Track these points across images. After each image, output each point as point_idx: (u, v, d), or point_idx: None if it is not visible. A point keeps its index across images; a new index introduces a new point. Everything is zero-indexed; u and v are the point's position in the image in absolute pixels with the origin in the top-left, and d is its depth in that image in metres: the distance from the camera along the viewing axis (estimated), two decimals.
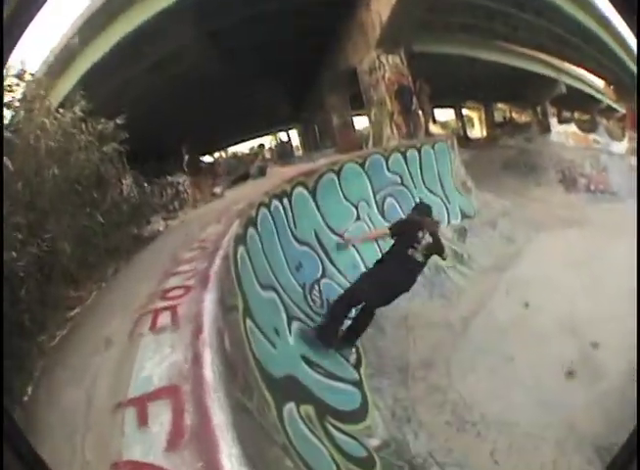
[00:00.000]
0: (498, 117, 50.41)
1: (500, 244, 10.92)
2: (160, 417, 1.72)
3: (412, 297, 7.77)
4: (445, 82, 30.30)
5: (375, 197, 9.36)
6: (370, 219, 8.93)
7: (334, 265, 7.40)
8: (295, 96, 27.41)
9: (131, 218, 6.78)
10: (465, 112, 52.40)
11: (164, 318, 2.50)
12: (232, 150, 36.64)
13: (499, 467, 4.36)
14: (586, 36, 22.07)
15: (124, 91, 15.62)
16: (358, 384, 5.11)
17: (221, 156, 31.07)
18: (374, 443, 4.27)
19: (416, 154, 10.75)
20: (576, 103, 42.79)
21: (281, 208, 6.77)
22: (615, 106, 37.26)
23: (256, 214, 5.77)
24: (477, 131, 48.26)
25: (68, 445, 1.83)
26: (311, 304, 6.19)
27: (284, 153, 25.11)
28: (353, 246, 7.91)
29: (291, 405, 3.42)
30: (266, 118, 32.80)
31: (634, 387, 5.03)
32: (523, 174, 20.86)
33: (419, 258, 5.32)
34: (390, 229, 5.79)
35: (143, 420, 1.75)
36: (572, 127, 35.02)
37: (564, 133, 32.12)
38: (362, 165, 9.29)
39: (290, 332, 4.83)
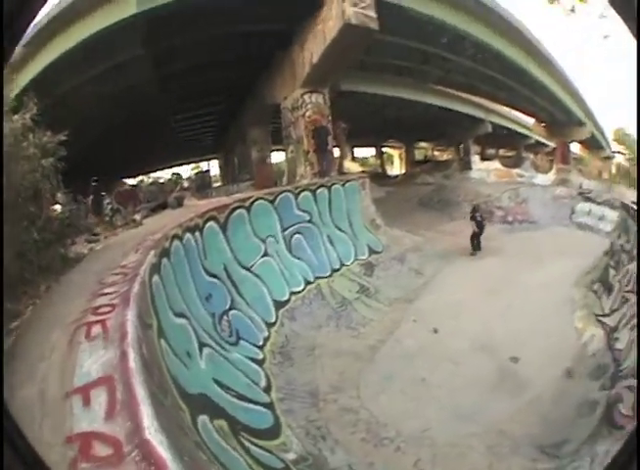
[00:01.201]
0: (420, 155, 52.70)
1: (408, 277, 11.73)
2: (99, 398, 2.35)
3: (318, 328, 8.45)
4: (369, 121, 32.40)
5: (283, 233, 9.96)
6: (278, 255, 9.52)
7: (242, 298, 7.87)
8: (220, 125, 27.90)
9: (59, 237, 6.69)
10: (386, 149, 54.63)
11: (96, 329, 3.11)
12: (155, 175, 36.61)
13: None
14: (521, 78, 23.63)
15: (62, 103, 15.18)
16: (269, 406, 5.54)
17: (142, 181, 31.07)
18: (290, 457, 4.67)
19: (326, 192, 11.58)
20: (504, 140, 44.90)
21: (193, 241, 7.24)
22: (545, 141, 39.54)
23: (170, 246, 6.20)
24: (397, 169, 50.57)
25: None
26: (221, 332, 6.61)
27: (202, 184, 25.30)
28: (261, 280, 8.60)
29: (204, 418, 3.84)
30: (191, 146, 33.45)
31: (567, 394, 6.01)
32: (437, 210, 22.03)
33: (479, 219, 14.72)
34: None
35: (87, 402, 2.35)
36: (495, 164, 36.63)
37: (485, 170, 33.43)
38: (272, 202, 9.91)
39: (201, 357, 5.22)
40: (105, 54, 14.52)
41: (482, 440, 5.23)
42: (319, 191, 11.46)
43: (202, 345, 5.51)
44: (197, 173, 32.36)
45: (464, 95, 28.88)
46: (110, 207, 13.07)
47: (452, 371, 6.80)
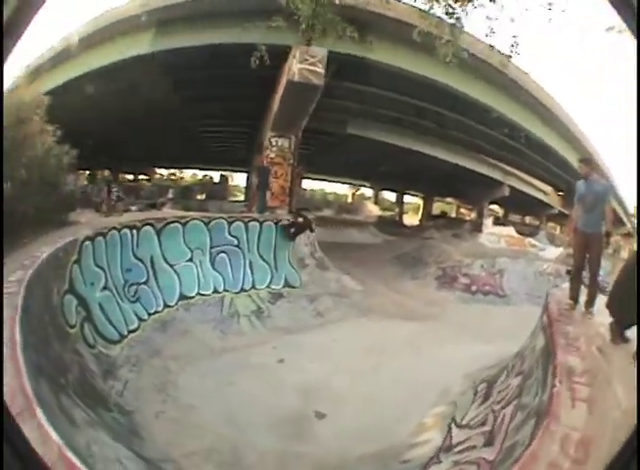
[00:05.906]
0: (438, 209, 57.02)
1: (307, 315, 13.44)
2: None
3: (202, 323, 11.36)
4: (391, 167, 35.84)
5: (210, 250, 13.09)
6: (200, 264, 12.78)
7: (156, 280, 11.41)
8: (248, 143, 30.92)
9: (65, 205, 11.19)
10: (415, 199, 58.90)
11: None
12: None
13: None
14: (530, 142, 25.34)
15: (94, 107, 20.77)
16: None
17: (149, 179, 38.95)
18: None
19: (257, 226, 14.55)
20: (528, 207, 47.23)
21: (129, 233, 11.18)
22: (565, 212, 39.49)
23: (107, 232, 10.34)
24: (416, 219, 54.20)
25: None
26: (126, 291, 10.34)
27: (212, 193, 30.70)
28: (177, 275, 12.01)
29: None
30: (220, 155, 37.88)
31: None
32: (404, 267, 23.09)
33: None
34: None
35: None
36: (508, 230, 35.27)
37: (497, 234, 31.89)
38: (207, 224, 13.18)
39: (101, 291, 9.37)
40: (122, 75, 18.75)
41: None
42: (251, 224, 14.26)
43: (104, 288, 9.36)
44: (208, 182, 38.73)
45: (477, 155, 30.30)
46: (117, 194, 17.34)
47: (265, 395, 8.08)
